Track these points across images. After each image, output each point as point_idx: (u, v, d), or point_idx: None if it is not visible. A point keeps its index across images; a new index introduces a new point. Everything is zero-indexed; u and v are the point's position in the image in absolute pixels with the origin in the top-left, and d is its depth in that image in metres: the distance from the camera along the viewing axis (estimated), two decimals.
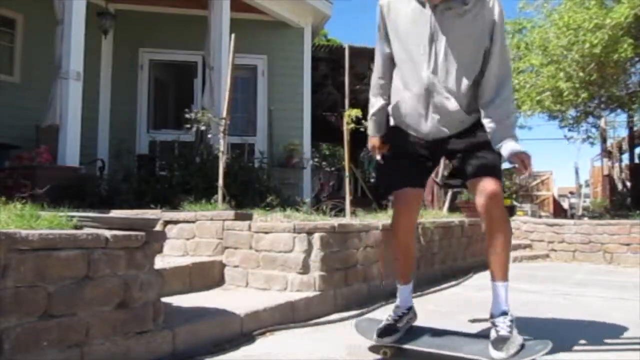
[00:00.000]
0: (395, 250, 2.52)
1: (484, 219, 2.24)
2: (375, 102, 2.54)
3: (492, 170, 2.27)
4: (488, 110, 2.27)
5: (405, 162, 2.42)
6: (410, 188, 2.40)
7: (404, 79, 2.36)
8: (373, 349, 2.37)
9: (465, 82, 2.27)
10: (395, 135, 2.48)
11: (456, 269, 5.00)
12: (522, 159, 2.26)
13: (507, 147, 2.25)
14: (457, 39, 2.23)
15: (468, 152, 2.31)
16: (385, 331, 2.33)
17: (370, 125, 2.59)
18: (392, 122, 2.50)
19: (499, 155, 2.28)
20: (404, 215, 2.43)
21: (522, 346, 2.04)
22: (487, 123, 2.27)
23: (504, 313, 2.17)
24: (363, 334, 2.45)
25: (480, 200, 2.23)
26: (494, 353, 2.04)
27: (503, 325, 2.13)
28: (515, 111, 2.31)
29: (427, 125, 2.33)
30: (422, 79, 2.27)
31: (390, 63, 2.45)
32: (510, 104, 2.33)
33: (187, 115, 5.49)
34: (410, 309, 2.46)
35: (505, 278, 2.23)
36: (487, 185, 2.22)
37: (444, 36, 2.22)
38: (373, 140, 2.58)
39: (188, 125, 5.60)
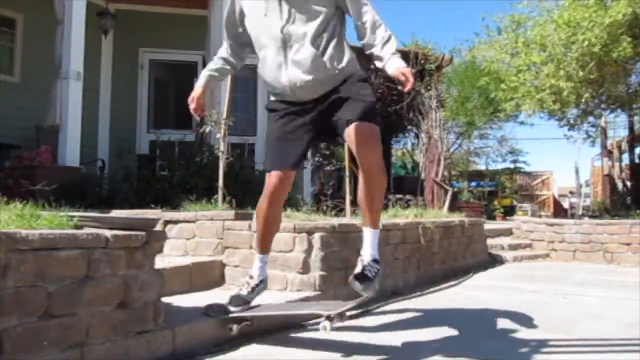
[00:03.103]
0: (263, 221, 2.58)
1: (361, 164, 2.27)
2: (218, 60, 2.70)
3: (368, 115, 2.30)
4: (371, 37, 2.39)
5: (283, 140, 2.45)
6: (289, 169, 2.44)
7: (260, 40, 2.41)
8: (219, 324, 2.43)
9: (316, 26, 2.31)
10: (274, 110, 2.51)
11: (456, 269, 5.00)
12: (404, 74, 2.31)
13: (392, 64, 2.34)
14: None
15: (340, 102, 2.34)
16: (236, 299, 2.45)
17: (203, 77, 2.69)
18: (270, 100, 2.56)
19: (373, 101, 2.36)
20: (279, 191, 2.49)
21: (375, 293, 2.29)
22: (373, 47, 2.38)
23: (375, 260, 2.33)
24: (213, 314, 2.47)
25: (356, 147, 2.23)
26: (355, 284, 2.25)
27: (371, 269, 2.29)
28: (392, 33, 2.41)
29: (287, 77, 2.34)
30: (276, 33, 2.32)
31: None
32: (386, 28, 2.41)
33: (196, 117, 5.47)
34: (263, 281, 2.57)
35: (378, 226, 2.38)
36: (364, 128, 2.24)
37: None
38: (198, 91, 2.65)
39: (194, 127, 5.58)
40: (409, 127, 10.17)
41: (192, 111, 2.65)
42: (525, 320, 3.00)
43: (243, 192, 5.34)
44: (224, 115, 4.79)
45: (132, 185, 5.54)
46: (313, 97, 2.38)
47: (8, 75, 6.55)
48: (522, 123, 15.31)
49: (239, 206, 4.43)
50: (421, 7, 52.64)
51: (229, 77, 4.85)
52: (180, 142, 6.68)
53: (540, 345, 2.50)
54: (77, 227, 1.99)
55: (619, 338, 2.70)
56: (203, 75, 2.71)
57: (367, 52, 2.46)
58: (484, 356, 2.36)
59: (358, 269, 2.31)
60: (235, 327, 2.43)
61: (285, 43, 2.33)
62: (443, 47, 16.97)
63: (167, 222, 3.75)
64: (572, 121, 10.25)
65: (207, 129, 5.45)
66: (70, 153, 5.27)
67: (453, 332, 2.75)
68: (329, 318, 2.28)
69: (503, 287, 4.43)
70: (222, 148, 4.66)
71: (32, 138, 5.76)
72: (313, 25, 2.31)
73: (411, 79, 2.29)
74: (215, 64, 2.72)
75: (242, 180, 5.64)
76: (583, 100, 8.28)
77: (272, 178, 2.45)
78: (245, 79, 8.06)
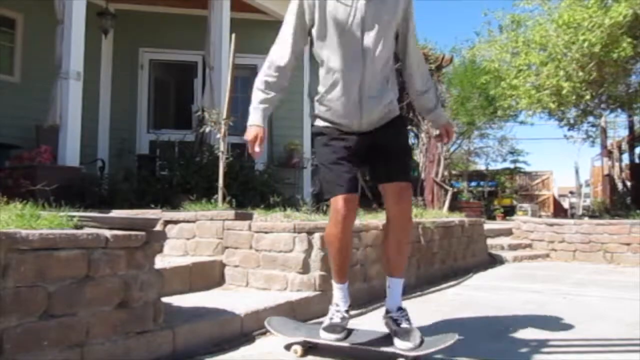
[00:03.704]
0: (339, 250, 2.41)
1: (397, 220, 2.31)
2: (272, 86, 2.37)
3: (409, 175, 2.40)
4: (424, 84, 2.51)
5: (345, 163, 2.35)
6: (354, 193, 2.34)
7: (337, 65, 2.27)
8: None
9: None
10: (328, 134, 2.38)
11: (456, 269, 5.00)
12: (447, 130, 2.55)
13: (441, 114, 2.57)
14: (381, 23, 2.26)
15: (390, 152, 2.35)
16: (332, 328, 2.32)
17: (259, 113, 2.36)
18: (319, 122, 2.41)
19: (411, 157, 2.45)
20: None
21: (422, 338, 2.15)
22: (423, 93, 2.51)
23: (401, 308, 2.28)
24: (279, 331, 2.42)
25: (397, 205, 2.31)
26: (401, 344, 2.13)
27: (403, 319, 2.22)
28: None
29: (362, 116, 2.31)
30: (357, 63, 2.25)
31: (302, 46, 2.41)
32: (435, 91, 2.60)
33: (197, 113, 5.47)
34: (349, 309, 2.43)
35: (403, 275, 2.35)
36: (405, 191, 2.33)
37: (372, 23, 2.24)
38: (258, 130, 2.32)
39: (193, 127, 5.59)
40: (409, 127, 10.16)
41: (254, 153, 2.32)
42: (526, 321, 3.01)
43: (243, 192, 5.35)
44: (224, 115, 4.79)
45: (132, 185, 5.54)
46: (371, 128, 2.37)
47: (8, 75, 6.55)
48: (522, 123, 15.35)
49: (239, 206, 4.43)
50: (421, 6, 52.64)
51: (229, 77, 4.86)
52: (180, 142, 6.69)
53: (540, 345, 2.50)
54: (77, 227, 1.99)
55: (619, 338, 2.70)
56: (259, 108, 2.36)
57: (415, 99, 2.56)
58: (484, 356, 2.36)
59: (393, 328, 2.20)
60: (299, 349, 2.33)
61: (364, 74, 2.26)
62: (443, 46, 17.02)
63: (167, 222, 3.75)
64: (572, 121, 10.25)
65: (207, 129, 5.46)
66: (70, 153, 5.26)
67: (453, 332, 2.75)
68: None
69: (503, 287, 4.43)
70: (222, 148, 4.66)
71: (32, 138, 5.75)
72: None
73: (452, 137, 2.53)
74: (269, 86, 2.36)
75: (242, 180, 5.64)
76: (583, 100, 8.27)
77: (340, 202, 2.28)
78: (246, 79, 8.06)
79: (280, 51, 2.35)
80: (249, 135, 2.33)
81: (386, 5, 2.27)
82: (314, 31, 2.32)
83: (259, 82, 2.38)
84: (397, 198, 2.30)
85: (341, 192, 2.26)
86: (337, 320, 2.35)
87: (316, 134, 2.44)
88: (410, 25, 2.40)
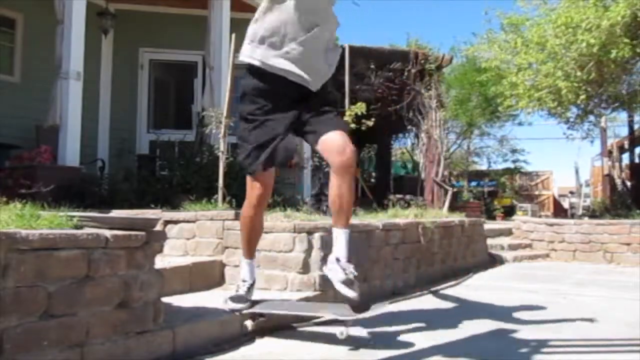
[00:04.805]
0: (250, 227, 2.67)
1: (338, 174, 2.30)
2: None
3: (344, 126, 2.41)
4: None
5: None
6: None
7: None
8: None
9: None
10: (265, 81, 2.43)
11: (456, 269, 5.00)
12: None
13: None
14: None
15: (320, 109, 2.40)
16: (237, 299, 2.54)
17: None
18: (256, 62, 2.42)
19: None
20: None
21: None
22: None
23: (349, 260, 2.30)
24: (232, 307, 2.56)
25: (338, 157, 2.29)
26: (346, 291, 2.21)
27: (350, 269, 2.26)
28: None
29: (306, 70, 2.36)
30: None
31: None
32: None
33: (201, 113, 5.46)
34: (254, 283, 2.65)
35: (349, 226, 2.36)
36: (344, 143, 2.30)
37: None
38: None
39: (193, 127, 5.59)
40: (409, 127, 10.16)
41: None
42: (525, 320, 3.01)
43: (243, 192, 5.34)
44: (224, 115, 4.79)
45: (132, 185, 5.54)
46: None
47: (8, 75, 6.55)
48: (520, 124, 15.36)
49: (239, 206, 4.42)
50: (421, 6, 52.67)
51: (229, 77, 4.85)
52: (180, 142, 6.68)
53: (540, 345, 2.50)
54: (77, 227, 1.99)
55: (619, 338, 2.70)
56: None
57: None
58: (485, 356, 2.36)
59: (341, 275, 2.26)
60: (250, 324, 2.51)
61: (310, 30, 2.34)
62: (443, 45, 17.03)
63: (167, 222, 3.75)
64: (572, 120, 10.25)
65: (207, 129, 5.46)
66: (70, 153, 5.27)
67: (453, 332, 2.75)
68: (344, 323, 2.30)
69: (503, 287, 4.43)
70: (222, 148, 4.66)
71: (32, 138, 5.75)
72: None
73: None
74: None
75: (242, 181, 5.63)
76: (581, 100, 8.26)
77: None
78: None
79: None
80: None
81: None
82: None
83: None
84: (335, 152, 2.33)
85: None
86: (242, 292, 2.57)
87: None
88: None
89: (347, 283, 2.21)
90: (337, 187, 2.30)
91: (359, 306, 2.23)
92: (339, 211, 2.32)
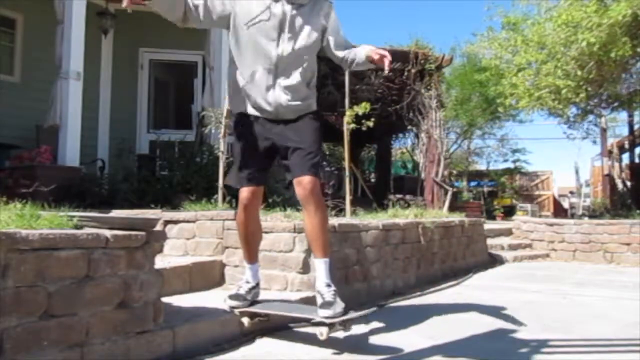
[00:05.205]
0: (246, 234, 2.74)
1: (307, 205, 2.45)
2: None
3: (315, 168, 2.49)
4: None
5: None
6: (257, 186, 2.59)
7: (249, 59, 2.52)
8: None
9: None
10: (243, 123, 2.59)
11: (456, 269, 5.00)
12: (378, 52, 2.48)
13: (363, 48, 2.54)
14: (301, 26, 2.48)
15: (297, 146, 2.49)
16: (236, 297, 2.60)
17: None
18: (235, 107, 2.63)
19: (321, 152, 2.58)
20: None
21: (345, 309, 2.35)
22: (344, 52, 2.60)
23: (328, 285, 2.44)
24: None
25: (303, 192, 2.45)
26: (321, 312, 2.34)
27: (328, 294, 2.39)
28: None
29: (273, 99, 2.48)
30: (271, 57, 2.46)
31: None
32: None
33: (199, 112, 5.45)
34: (257, 284, 2.72)
35: (326, 255, 2.49)
36: (310, 182, 2.44)
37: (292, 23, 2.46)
38: None
39: (193, 127, 5.59)
40: (409, 127, 10.15)
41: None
42: (526, 320, 3.00)
43: None
44: (224, 115, 4.79)
45: (132, 185, 5.53)
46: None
47: (8, 75, 6.55)
48: (521, 122, 15.35)
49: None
50: (420, 5, 52.65)
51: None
52: (180, 142, 6.68)
53: (540, 345, 2.50)
54: (77, 227, 1.99)
55: (619, 338, 2.70)
56: None
57: (344, 60, 2.62)
58: (485, 356, 2.36)
59: (319, 300, 2.40)
60: (247, 322, 2.54)
61: (277, 68, 2.48)
62: (443, 45, 17.03)
63: (167, 222, 3.75)
64: (572, 119, 10.25)
65: (207, 129, 5.46)
66: (70, 153, 5.27)
67: (453, 332, 2.75)
68: (329, 326, 2.34)
69: (503, 287, 4.43)
70: (222, 148, 4.66)
71: (32, 138, 5.75)
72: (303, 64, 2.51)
73: (387, 54, 2.45)
74: None
75: None
76: (581, 98, 8.26)
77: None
78: None
79: None
80: None
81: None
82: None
83: None
84: (302, 189, 2.47)
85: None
86: (242, 292, 2.63)
87: None
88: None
89: (324, 306, 2.35)
90: (305, 219, 2.49)
91: (334, 317, 2.34)
92: (312, 242, 2.51)
